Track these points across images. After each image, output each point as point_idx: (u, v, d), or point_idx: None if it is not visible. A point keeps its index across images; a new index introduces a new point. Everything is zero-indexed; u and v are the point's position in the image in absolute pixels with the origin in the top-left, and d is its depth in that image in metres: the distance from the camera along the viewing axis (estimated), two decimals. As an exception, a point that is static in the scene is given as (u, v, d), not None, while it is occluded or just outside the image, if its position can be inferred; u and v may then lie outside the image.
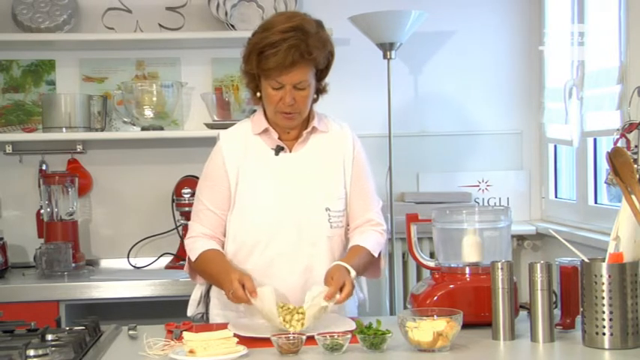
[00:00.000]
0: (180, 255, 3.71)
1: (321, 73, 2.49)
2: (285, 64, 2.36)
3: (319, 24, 2.46)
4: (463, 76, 3.99)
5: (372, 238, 2.50)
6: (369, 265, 2.49)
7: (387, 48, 3.61)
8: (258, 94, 2.49)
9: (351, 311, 2.54)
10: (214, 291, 2.56)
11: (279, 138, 2.51)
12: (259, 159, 2.50)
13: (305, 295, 2.29)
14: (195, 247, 2.51)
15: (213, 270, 2.46)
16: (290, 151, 2.52)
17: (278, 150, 2.50)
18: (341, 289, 2.27)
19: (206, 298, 2.60)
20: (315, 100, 2.52)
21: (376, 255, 2.50)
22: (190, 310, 2.62)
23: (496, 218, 2.34)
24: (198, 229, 2.54)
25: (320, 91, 2.52)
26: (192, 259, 2.51)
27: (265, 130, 2.51)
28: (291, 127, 2.51)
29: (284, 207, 2.45)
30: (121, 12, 3.87)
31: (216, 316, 2.55)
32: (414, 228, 2.41)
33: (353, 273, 2.34)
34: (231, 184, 2.49)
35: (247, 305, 2.30)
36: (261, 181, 2.48)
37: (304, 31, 2.38)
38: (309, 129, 2.52)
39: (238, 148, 2.52)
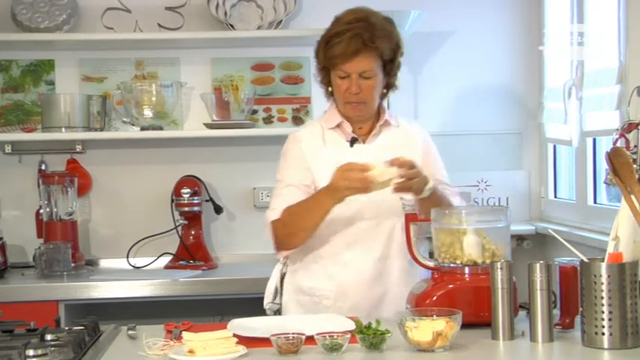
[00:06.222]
0: (179, 255, 3.71)
1: (389, 67, 2.56)
2: (348, 52, 2.47)
3: (387, 19, 2.57)
4: (462, 76, 3.99)
5: (442, 187, 2.56)
6: (440, 198, 2.51)
7: (386, 48, 3.61)
8: (330, 88, 2.59)
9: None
10: (287, 281, 2.61)
11: (353, 132, 2.60)
12: (336, 150, 2.57)
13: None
14: (275, 214, 2.52)
15: (303, 203, 2.47)
16: (364, 143, 2.60)
17: (353, 141, 2.60)
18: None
19: (281, 289, 2.62)
20: (384, 95, 2.62)
21: (446, 196, 2.55)
22: (266, 301, 2.66)
23: (495, 218, 2.33)
24: (279, 205, 2.53)
25: (389, 86, 2.62)
26: (276, 217, 2.50)
27: (339, 125, 2.60)
28: (360, 118, 2.59)
29: (361, 197, 2.43)
30: (120, 12, 3.87)
31: (289, 302, 2.58)
32: (413, 228, 2.40)
33: (431, 183, 2.41)
34: (311, 168, 2.55)
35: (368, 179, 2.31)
36: None
37: (369, 22, 2.50)
38: (381, 121, 2.61)
39: (316, 139, 2.59)
